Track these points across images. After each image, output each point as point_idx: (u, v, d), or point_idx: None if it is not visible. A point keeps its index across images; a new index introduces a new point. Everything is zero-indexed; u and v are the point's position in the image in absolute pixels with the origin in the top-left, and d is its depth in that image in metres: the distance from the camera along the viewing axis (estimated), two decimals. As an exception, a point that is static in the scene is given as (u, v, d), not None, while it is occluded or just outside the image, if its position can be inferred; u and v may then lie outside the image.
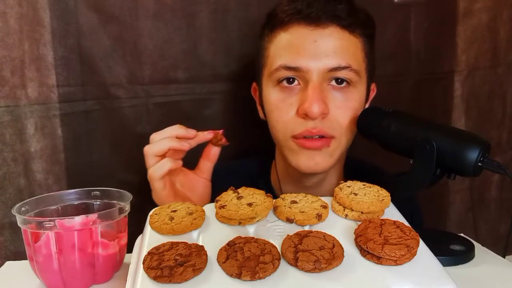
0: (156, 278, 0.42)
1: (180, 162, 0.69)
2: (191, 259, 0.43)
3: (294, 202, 0.53)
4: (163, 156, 0.66)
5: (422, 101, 1.02)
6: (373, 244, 0.44)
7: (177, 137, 0.66)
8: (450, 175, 0.62)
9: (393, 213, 0.53)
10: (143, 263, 0.44)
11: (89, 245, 0.54)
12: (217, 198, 0.53)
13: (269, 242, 0.46)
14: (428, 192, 0.64)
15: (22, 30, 0.82)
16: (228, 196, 0.53)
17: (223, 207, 0.51)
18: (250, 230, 0.50)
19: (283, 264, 0.44)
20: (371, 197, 0.52)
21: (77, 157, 0.88)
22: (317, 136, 0.69)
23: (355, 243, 0.47)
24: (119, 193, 0.61)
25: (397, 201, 0.55)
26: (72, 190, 0.62)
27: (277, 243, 0.46)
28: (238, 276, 0.41)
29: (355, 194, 0.52)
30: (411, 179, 0.63)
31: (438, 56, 1.03)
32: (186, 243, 0.46)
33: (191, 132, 0.67)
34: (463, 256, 0.59)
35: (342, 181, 0.56)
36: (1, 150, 0.84)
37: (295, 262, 0.43)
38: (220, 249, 0.45)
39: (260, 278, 0.41)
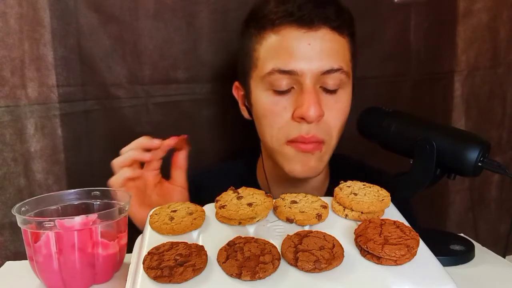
0: (156, 278, 0.42)
1: (139, 172, 0.69)
2: (191, 259, 0.43)
3: (294, 202, 0.53)
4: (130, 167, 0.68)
5: (422, 101, 1.02)
6: (373, 244, 0.44)
7: (144, 148, 0.68)
8: (450, 175, 0.62)
9: (393, 213, 0.53)
10: (143, 263, 0.43)
11: (89, 245, 0.54)
12: (217, 198, 0.53)
13: (269, 242, 0.46)
14: (428, 192, 0.64)
15: (22, 30, 0.82)
16: (228, 196, 0.53)
17: (223, 207, 0.51)
18: (250, 230, 0.50)
19: (283, 264, 0.44)
20: (371, 197, 0.52)
21: (77, 157, 0.88)
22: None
23: (355, 243, 0.47)
24: (119, 193, 0.61)
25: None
26: (72, 190, 0.62)
27: (277, 243, 0.46)
28: (238, 276, 0.41)
29: (355, 194, 0.52)
30: (411, 179, 0.63)
31: (438, 56, 1.03)
32: (186, 243, 0.46)
33: (155, 141, 0.68)
34: (463, 256, 0.59)
35: (342, 181, 0.56)
36: (1, 150, 0.84)
37: (295, 262, 0.43)
38: (220, 249, 0.45)
39: (260, 278, 0.41)
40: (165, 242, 0.46)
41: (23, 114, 0.84)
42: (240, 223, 0.51)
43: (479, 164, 0.58)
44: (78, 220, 0.53)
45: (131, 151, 0.68)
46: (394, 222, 0.48)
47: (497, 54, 1.06)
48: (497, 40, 1.05)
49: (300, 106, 0.67)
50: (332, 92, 0.70)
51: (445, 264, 0.45)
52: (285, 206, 0.52)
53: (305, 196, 0.54)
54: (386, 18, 0.98)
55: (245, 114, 0.80)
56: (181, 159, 0.71)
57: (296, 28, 0.67)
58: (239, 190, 0.54)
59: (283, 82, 0.68)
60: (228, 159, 0.95)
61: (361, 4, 0.92)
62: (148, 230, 0.51)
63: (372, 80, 0.98)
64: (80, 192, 0.62)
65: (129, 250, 0.56)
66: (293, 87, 0.69)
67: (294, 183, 0.78)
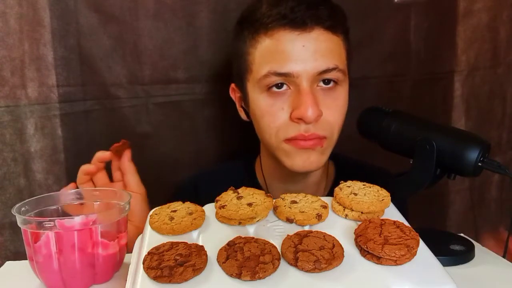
0: (156, 278, 0.42)
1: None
2: (191, 259, 0.43)
3: (294, 202, 0.53)
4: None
5: (422, 101, 1.02)
6: (373, 244, 0.44)
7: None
8: (450, 175, 0.62)
9: (393, 213, 0.53)
10: (143, 263, 0.43)
11: (89, 245, 0.54)
12: (217, 198, 0.53)
13: (269, 242, 0.46)
14: (428, 192, 0.64)
15: (22, 30, 0.82)
16: (228, 196, 0.53)
17: (223, 207, 0.51)
18: (250, 230, 0.50)
19: (283, 264, 0.44)
20: (371, 197, 0.52)
21: (77, 157, 0.88)
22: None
23: (355, 243, 0.47)
24: (119, 193, 0.61)
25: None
26: (72, 190, 0.62)
27: (277, 243, 0.46)
28: (238, 276, 0.41)
29: (355, 194, 0.52)
30: (411, 179, 0.63)
31: (438, 56, 1.03)
32: (186, 243, 0.46)
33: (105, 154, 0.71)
34: (463, 256, 0.59)
35: (342, 181, 0.56)
36: (1, 150, 0.84)
37: (295, 262, 0.43)
38: (220, 249, 0.45)
39: (260, 278, 0.41)
40: (165, 242, 0.46)
41: (23, 114, 0.84)
42: (240, 223, 0.51)
43: (479, 164, 0.58)
44: (78, 220, 0.53)
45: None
46: (394, 222, 0.48)
47: (497, 54, 1.06)
48: (497, 40, 1.05)
49: (298, 107, 0.68)
50: (329, 90, 0.70)
51: (445, 264, 0.45)
52: (285, 206, 0.52)
53: (305, 196, 0.54)
54: (386, 18, 0.98)
55: (242, 115, 0.81)
56: (125, 164, 0.71)
57: (289, 30, 0.68)
58: (239, 190, 0.54)
59: (279, 84, 0.69)
60: (227, 159, 0.95)
61: (361, 4, 0.92)
62: (148, 230, 0.51)
63: (372, 80, 0.98)
64: (80, 192, 0.62)
65: (129, 250, 0.56)
66: (289, 88, 0.69)
67: (292, 181, 0.79)
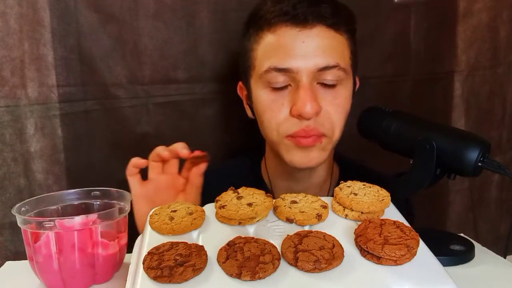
0: (156, 278, 0.42)
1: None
2: (191, 259, 0.43)
3: (294, 202, 0.53)
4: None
5: (422, 101, 1.02)
6: (373, 244, 0.44)
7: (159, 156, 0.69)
8: (450, 175, 0.62)
9: (393, 213, 0.53)
10: (143, 263, 0.43)
11: (89, 245, 0.54)
12: (217, 198, 0.53)
13: (269, 242, 0.46)
14: (428, 192, 0.64)
15: (22, 30, 0.82)
16: (228, 196, 0.53)
17: (223, 207, 0.51)
18: (250, 230, 0.50)
19: (283, 264, 0.44)
20: (371, 197, 0.52)
21: (77, 157, 0.88)
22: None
23: (355, 243, 0.47)
24: (119, 193, 0.61)
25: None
26: (72, 190, 0.62)
27: (277, 243, 0.46)
28: (238, 276, 0.41)
29: (355, 194, 0.52)
30: (411, 179, 0.63)
31: (438, 56, 1.03)
32: (186, 243, 0.46)
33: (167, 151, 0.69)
34: (463, 256, 0.59)
35: (342, 181, 0.56)
36: (1, 150, 0.84)
37: (295, 262, 0.43)
38: (220, 249, 0.45)
39: (260, 278, 0.41)
40: (165, 242, 0.46)
41: (23, 114, 0.84)
42: (240, 223, 0.51)
43: (479, 164, 0.58)
44: (78, 220, 0.53)
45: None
46: (394, 222, 0.48)
47: (497, 54, 1.06)
48: (497, 40, 1.05)
49: (296, 102, 0.68)
50: (330, 88, 0.70)
51: (445, 264, 0.45)
52: (285, 206, 0.52)
53: (305, 196, 0.54)
54: (386, 18, 0.98)
55: (248, 113, 0.81)
56: (194, 175, 0.70)
57: (291, 26, 0.68)
58: (239, 190, 0.54)
59: (280, 80, 0.69)
60: (230, 158, 0.95)
61: (361, 4, 0.92)
62: (148, 230, 0.51)
63: (372, 80, 0.98)
64: (80, 192, 0.62)
65: (129, 250, 0.56)
66: (290, 84, 0.70)
67: (296, 180, 0.79)
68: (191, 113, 0.93)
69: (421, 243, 0.46)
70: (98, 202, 0.62)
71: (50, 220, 0.52)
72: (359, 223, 0.49)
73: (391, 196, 0.53)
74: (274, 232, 0.50)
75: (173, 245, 0.46)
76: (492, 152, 0.62)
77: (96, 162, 0.90)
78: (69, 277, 0.54)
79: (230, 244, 0.45)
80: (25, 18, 0.82)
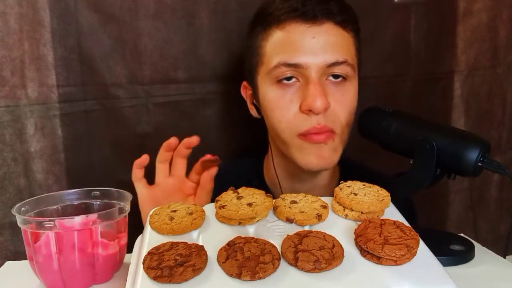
0: (156, 278, 0.42)
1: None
2: (191, 259, 0.43)
3: (294, 202, 0.53)
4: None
5: (422, 101, 1.02)
6: (373, 244, 0.44)
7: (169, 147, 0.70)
8: (450, 175, 0.62)
9: (393, 213, 0.53)
10: (143, 263, 0.43)
11: (89, 245, 0.54)
12: (217, 198, 0.53)
13: (269, 242, 0.46)
14: (428, 192, 0.64)
15: (22, 30, 0.82)
16: (228, 196, 0.53)
17: (223, 207, 0.51)
18: (250, 230, 0.50)
19: (283, 264, 0.44)
20: (371, 197, 0.52)
21: (77, 157, 0.88)
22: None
23: (355, 243, 0.47)
24: (119, 193, 0.61)
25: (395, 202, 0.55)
26: (72, 190, 0.62)
27: (277, 243, 0.46)
28: (238, 276, 0.41)
29: (355, 194, 0.52)
30: (411, 179, 0.63)
31: (438, 56, 1.03)
32: (186, 243, 0.46)
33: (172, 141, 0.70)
34: (463, 256, 0.59)
35: (342, 181, 0.56)
36: (1, 150, 0.84)
37: (295, 262, 0.43)
38: (220, 249, 0.45)
39: (260, 278, 0.41)
40: (165, 242, 0.46)
41: (23, 114, 0.84)
42: (240, 223, 0.51)
43: (479, 164, 0.58)
44: (78, 220, 0.53)
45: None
46: (394, 222, 0.48)
47: (497, 54, 1.06)
48: (497, 40, 1.05)
49: (306, 98, 0.68)
50: (338, 84, 0.71)
51: (445, 264, 0.45)
52: (285, 206, 0.52)
53: (305, 196, 0.54)
54: (386, 18, 0.98)
55: (253, 112, 0.81)
56: (205, 179, 0.69)
57: (300, 23, 0.69)
58: (239, 190, 0.54)
59: (289, 75, 0.70)
60: (230, 158, 0.95)
61: (361, 4, 0.91)
62: (148, 230, 0.51)
63: (372, 80, 0.98)
64: (80, 192, 0.62)
65: (129, 250, 0.56)
66: (298, 80, 0.70)
67: (300, 181, 0.79)
68: (191, 113, 0.93)
69: (421, 243, 0.46)
70: (98, 202, 0.62)
71: (50, 220, 0.52)
72: (359, 223, 0.49)
73: (391, 196, 0.53)
74: (274, 232, 0.50)
75: (173, 245, 0.46)
76: (492, 152, 0.62)
77: (96, 162, 0.90)
78: (69, 277, 0.54)
79: (230, 244, 0.45)
80: (25, 18, 0.82)
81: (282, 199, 0.54)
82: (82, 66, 0.86)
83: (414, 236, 0.45)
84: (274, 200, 0.53)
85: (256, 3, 0.76)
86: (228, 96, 0.93)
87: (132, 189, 0.66)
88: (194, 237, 0.49)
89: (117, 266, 0.58)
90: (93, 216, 0.54)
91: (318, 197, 0.55)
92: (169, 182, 0.70)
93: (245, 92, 0.82)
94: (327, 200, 0.55)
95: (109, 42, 0.87)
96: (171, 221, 0.50)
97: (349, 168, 0.84)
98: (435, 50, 1.02)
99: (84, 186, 0.62)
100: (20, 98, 0.84)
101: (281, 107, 0.71)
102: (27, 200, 0.58)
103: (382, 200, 0.52)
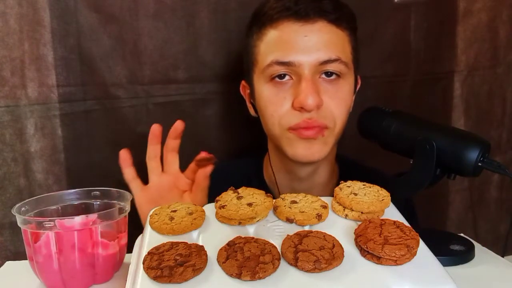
0: (156, 278, 0.42)
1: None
2: (191, 259, 0.43)
3: (294, 202, 0.53)
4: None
5: (422, 101, 1.02)
6: (373, 244, 0.44)
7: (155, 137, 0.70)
8: (450, 175, 0.62)
9: (393, 213, 0.53)
10: (143, 263, 0.44)
11: (89, 245, 0.54)
12: (217, 198, 0.53)
13: (269, 242, 0.46)
14: (428, 192, 0.64)
15: (22, 30, 0.82)
16: (228, 196, 0.53)
17: (223, 207, 0.51)
18: (250, 230, 0.50)
19: (283, 264, 0.44)
20: (371, 197, 0.52)
21: (77, 157, 0.88)
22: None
23: (355, 243, 0.47)
24: (119, 193, 0.61)
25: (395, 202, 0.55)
26: (72, 190, 0.62)
27: (277, 243, 0.46)
28: (238, 276, 0.41)
29: (355, 194, 0.52)
30: (411, 179, 0.63)
31: (438, 56, 1.03)
32: (186, 243, 0.46)
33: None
34: (463, 256, 0.59)
35: (342, 181, 0.56)
36: (1, 150, 0.84)
37: (295, 262, 0.43)
38: (220, 249, 0.45)
39: (260, 278, 0.41)
40: (165, 242, 0.46)
41: (23, 114, 0.84)
42: (240, 223, 0.51)
43: (479, 164, 0.58)
44: (78, 220, 0.53)
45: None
46: (394, 222, 0.48)
47: (496, 54, 1.06)
48: (497, 40, 1.05)
49: (298, 95, 0.69)
50: (332, 82, 0.71)
51: (445, 264, 0.45)
52: (285, 206, 0.52)
53: (305, 196, 0.54)
54: (386, 18, 0.98)
55: (251, 111, 0.82)
56: (201, 178, 0.69)
57: (293, 21, 0.70)
58: (239, 190, 0.54)
59: (282, 74, 0.71)
60: (230, 158, 0.95)
61: (361, 4, 0.92)
62: (148, 230, 0.51)
63: (372, 80, 0.98)
64: (80, 192, 0.62)
65: (129, 250, 0.56)
66: (291, 78, 0.71)
67: (299, 178, 0.79)
68: (191, 113, 0.93)
69: (421, 243, 0.46)
70: (98, 202, 0.62)
71: (50, 220, 0.52)
72: (359, 223, 0.49)
73: (391, 196, 0.53)
74: (274, 232, 0.50)
75: (173, 245, 0.46)
76: (492, 152, 0.62)
77: (96, 162, 0.90)
78: (69, 277, 0.54)
79: (230, 244, 0.45)
80: (25, 18, 0.82)
81: (282, 199, 0.54)
82: (82, 66, 0.86)
83: (414, 236, 0.45)
84: (274, 200, 0.53)
85: (256, 3, 0.76)
86: (228, 96, 0.93)
87: (132, 189, 0.66)
88: (194, 237, 0.49)
89: (117, 266, 0.58)
90: (93, 216, 0.54)
91: (318, 197, 0.55)
92: (163, 179, 0.70)
93: (244, 91, 0.82)
94: (327, 200, 0.55)
95: (109, 42, 0.87)
96: (171, 221, 0.50)
97: (348, 167, 0.85)
98: (435, 50, 1.02)
99: (84, 186, 0.62)
100: (20, 98, 0.84)
101: (274, 104, 0.72)
102: (27, 200, 0.58)
103: (382, 200, 0.52)
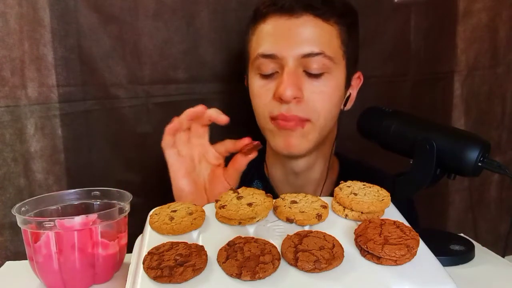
0: (156, 278, 0.42)
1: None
2: (191, 259, 0.43)
3: (294, 202, 0.53)
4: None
5: (422, 101, 1.03)
6: (373, 244, 0.44)
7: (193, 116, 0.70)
8: (450, 175, 0.62)
9: (393, 213, 0.53)
10: (143, 263, 0.44)
11: (89, 245, 0.54)
12: (217, 198, 0.53)
13: (269, 242, 0.46)
14: (428, 192, 0.64)
15: (22, 30, 0.82)
16: (228, 196, 0.53)
17: (223, 207, 0.51)
18: (250, 230, 0.50)
19: (283, 264, 0.44)
20: (371, 197, 0.52)
21: (77, 157, 0.88)
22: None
23: (355, 243, 0.47)
24: (119, 193, 0.61)
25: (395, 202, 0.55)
26: (72, 190, 0.62)
27: (277, 243, 0.46)
28: (238, 276, 0.42)
29: (355, 194, 0.52)
30: (411, 179, 0.63)
31: (438, 56, 1.03)
32: (186, 243, 0.46)
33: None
34: (463, 256, 0.59)
35: (342, 181, 0.56)
36: (1, 150, 0.84)
37: (295, 262, 0.43)
38: (220, 249, 0.45)
39: (260, 278, 0.41)
40: (165, 242, 0.46)
41: (23, 114, 0.84)
42: (240, 223, 0.51)
43: (479, 164, 0.58)
44: (78, 220, 0.53)
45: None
46: (394, 222, 0.48)
47: (496, 54, 1.06)
48: (496, 40, 1.05)
49: (279, 87, 0.70)
50: (315, 76, 0.72)
51: (445, 264, 0.45)
52: (285, 206, 0.52)
53: (305, 196, 0.54)
54: (386, 18, 0.98)
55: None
56: (241, 162, 0.69)
57: (279, 15, 0.72)
58: (239, 190, 0.54)
59: (268, 67, 0.72)
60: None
61: (361, 3, 0.92)
62: (148, 230, 0.51)
63: (372, 80, 0.98)
64: (80, 192, 0.62)
65: (129, 250, 0.56)
66: (277, 71, 0.72)
67: (294, 170, 0.80)
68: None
69: (421, 243, 0.46)
70: (98, 202, 0.62)
71: (50, 220, 0.52)
72: (359, 223, 0.49)
73: (391, 196, 0.53)
74: (274, 232, 0.50)
75: (173, 245, 0.46)
76: (492, 152, 0.62)
77: (96, 162, 0.90)
78: (69, 277, 0.54)
79: (230, 244, 0.45)
80: (25, 18, 0.82)
81: (282, 199, 0.54)
82: (82, 66, 0.86)
83: (414, 236, 0.45)
84: (274, 200, 0.54)
85: (256, 3, 0.76)
86: (228, 96, 0.93)
87: (132, 189, 0.65)
88: (194, 237, 0.49)
89: (117, 266, 0.58)
90: (93, 216, 0.54)
91: (318, 197, 0.55)
92: (193, 149, 0.69)
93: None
94: (327, 200, 0.55)
95: (109, 42, 0.87)
96: (171, 221, 0.50)
97: (349, 165, 0.85)
98: (435, 50, 1.02)
99: (84, 186, 0.62)
100: (20, 98, 0.84)
101: (260, 96, 0.74)
102: (27, 200, 0.58)
103: (382, 200, 0.52)
